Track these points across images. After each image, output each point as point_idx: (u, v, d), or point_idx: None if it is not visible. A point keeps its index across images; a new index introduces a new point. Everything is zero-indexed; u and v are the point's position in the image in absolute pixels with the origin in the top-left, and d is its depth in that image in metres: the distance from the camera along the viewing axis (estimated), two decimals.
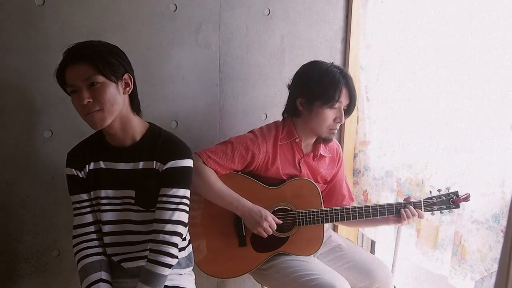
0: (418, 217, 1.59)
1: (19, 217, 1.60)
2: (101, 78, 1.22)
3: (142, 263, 1.37)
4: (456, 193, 1.56)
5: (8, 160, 1.56)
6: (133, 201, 1.34)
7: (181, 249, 1.41)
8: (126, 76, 1.29)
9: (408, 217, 1.57)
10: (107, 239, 1.37)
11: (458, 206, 1.57)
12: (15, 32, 1.50)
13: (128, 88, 1.30)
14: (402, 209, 1.58)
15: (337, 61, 2.04)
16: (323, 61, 1.59)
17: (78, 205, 1.36)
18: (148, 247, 1.34)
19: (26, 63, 1.52)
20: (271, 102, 1.96)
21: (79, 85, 1.21)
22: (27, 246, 1.63)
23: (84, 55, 1.20)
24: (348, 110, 1.59)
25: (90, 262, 1.33)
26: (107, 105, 1.23)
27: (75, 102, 1.24)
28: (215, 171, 1.52)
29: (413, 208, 1.58)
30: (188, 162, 1.34)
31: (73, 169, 1.34)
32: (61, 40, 1.55)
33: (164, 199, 1.32)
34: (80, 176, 1.34)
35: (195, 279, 1.52)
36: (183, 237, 1.37)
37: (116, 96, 1.25)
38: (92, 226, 1.37)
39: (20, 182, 1.58)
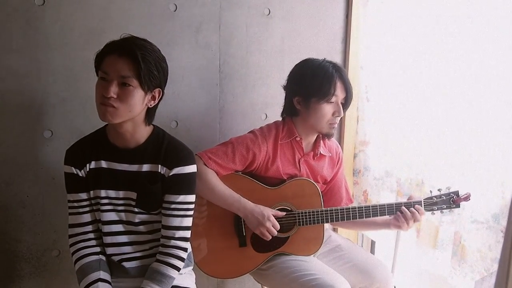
0: (417, 216, 1.56)
1: (19, 217, 1.60)
2: (135, 83, 1.21)
3: (143, 262, 1.39)
4: (456, 193, 1.56)
5: (8, 160, 1.56)
6: (133, 203, 1.34)
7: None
8: (157, 90, 1.29)
9: (406, 218, 1.55)
10: (107, 239, 1.37)
11: (458, 206, 1.57)
12: (15, 32, 1.50)
13: (152, 102, 1.30)
14: (399, 212, 1.56)
15: (337, 61, 2.03)
16: (315, 58, 1.60)
17: (76, 204, 1.35)
18: (155, 246, 1.36)
19: (26, 63, 1.52)
20: (271, 102, 1.95)
21: (112, 77, 1.20)
22: (27, 246, 1.63)
23: (133, 54, 1.20)
24: (346, 103, 1.58)
25: (88, 262, 1.32)
26: (126, 108, 1.23)
27: (99, 89, 1.23)
28: (216, 172, 1.52)
29: (412, 209, 1.56)
30: (193, 168, 1.36)
31: (72, 167, 1.33)
32: (61, 40, 1.55)
33: (173, 206, 1.33)
34: (80, 175, 1.33)
35: (195, 279, 1.52)
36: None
37: (138, 104, 1.25)
38: (90, 226, 1.36)
39: (20, 182, 1.58)
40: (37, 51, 1.53)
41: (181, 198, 1.33)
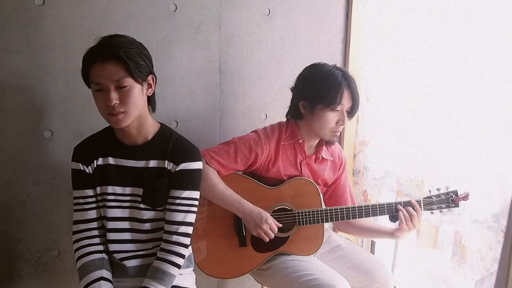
0: (412, 212, 1.54)
1: (19, 217, 1.60)
2: (130, 81, 1.22)
3: (144, 261, 1.39)
4: (455, 192, 1.56)
5: (8, 160, 1.56)
6: (140, 199, 1.34)
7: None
8: (150, 77, 1.30)
9: (406, 217, 1.54)
10: (110, 236, 1.37)
11: (457, 205, 1.57)
12: (15, 32, 1.50)
13: (150, 90, 1.31)
14: (400, 212, 1.54)
15: (337, 61, 2.04)
16: (325, 63, 1.58)
17: (81, 200, 1.35)
18: (157, 245, 1.36)
19: (26, 63, 1.52)
20: (271, 102, 1.96)
21: (107, 85, 1.21)
22: (27, 246, 1.63)
23: (117, 56, 1.19)
24: (351, 112, 1.57)
25: (91, 260, 1.32)
26: (131, 108, 1.24)
27: (99, 101, 1.24)
28: (217, 172, 1.53)
29: (411, 209, 1.55)
30: (199, 165, 1.37)
31: (79, 164, 1.34)
32: (61, 40, 1.55)
33: (177, 201, 1.33)
34: (87, 171, 1.34)
35: (195, 280, 1.52)
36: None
37: (140, 98, 1.26)
38: (95, 223, 1.36)
39: (20, 182, 1.58)
40: (37, 51, 1.53)
41: (186, 193, 1.34)
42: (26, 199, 1.60)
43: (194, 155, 1.36)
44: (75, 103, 1.61)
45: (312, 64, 1.61)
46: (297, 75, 1.63)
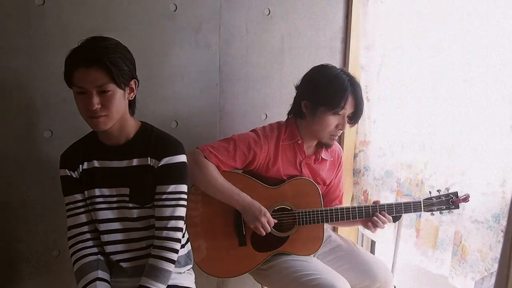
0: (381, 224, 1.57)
1: (19, 217, 1.60)
2: (112, 86, 1.22)
3: (141, 261, 1.38)
4: (455, 194, 1.56)
5: (8, 160, 1.56)
6: (127, 199, 1.34)
7: (180, 247, 1.41)
8: (132, 82, 1.30)
9: (377, 224, 1.56)
10: (104, 238, 1.37)
11: (457, 207, 1.57)
12: (15, 32, 1.50)
13: (132, 94, 1.31)
14: (375, 217, 1.57)
15: (337, 61, 2.04)
16: (333, 66, 1.58)
17: (72, 206, 1.36)
18: (152, 244, 1.36)
19: (26, 63, 1.52)
20: (271, 102, 1.96)
21: (90, 90, 1.20)
22: (27, 246, 1.63)
23: (100, 61, 1.18)
24: (353, 118, 1.57)
25: (87, 262, 1.33)
26: (113, 112, 1.24)
27: (80, 104, 1.24)
28: (216, 167, 1.53)
29: (384, 216, 1.57)
30: (182, 158, 1.36)
31: (66, 170, 1.35)
32: (61, 40, 1.55)
33: (164, 196, 1.33)
34: (74, 176, 1.35)
35: (195, 279, 1.52)
36: (183, 232, 1.38)
37: (122, 103, 1.27)
38: (87, 226, 1.37)
39: (20, 182, 1.58)
40: (37, 51, 1.53)
41: (172, 188, 1.33)
42: (26, 199, 1.60)
43: (176, 149, 1.35)
44: (75, 103, 1.60)
45: (320, 65, 1.60)
46: (297, 74, 1.63)
